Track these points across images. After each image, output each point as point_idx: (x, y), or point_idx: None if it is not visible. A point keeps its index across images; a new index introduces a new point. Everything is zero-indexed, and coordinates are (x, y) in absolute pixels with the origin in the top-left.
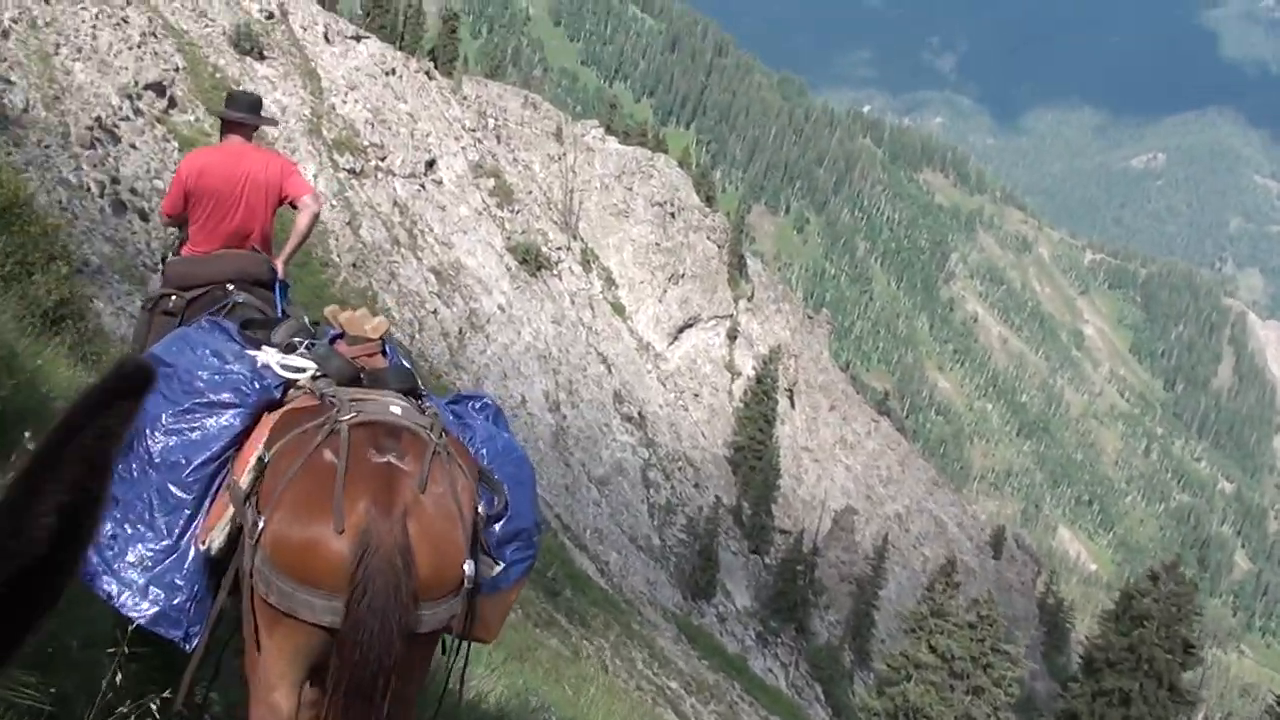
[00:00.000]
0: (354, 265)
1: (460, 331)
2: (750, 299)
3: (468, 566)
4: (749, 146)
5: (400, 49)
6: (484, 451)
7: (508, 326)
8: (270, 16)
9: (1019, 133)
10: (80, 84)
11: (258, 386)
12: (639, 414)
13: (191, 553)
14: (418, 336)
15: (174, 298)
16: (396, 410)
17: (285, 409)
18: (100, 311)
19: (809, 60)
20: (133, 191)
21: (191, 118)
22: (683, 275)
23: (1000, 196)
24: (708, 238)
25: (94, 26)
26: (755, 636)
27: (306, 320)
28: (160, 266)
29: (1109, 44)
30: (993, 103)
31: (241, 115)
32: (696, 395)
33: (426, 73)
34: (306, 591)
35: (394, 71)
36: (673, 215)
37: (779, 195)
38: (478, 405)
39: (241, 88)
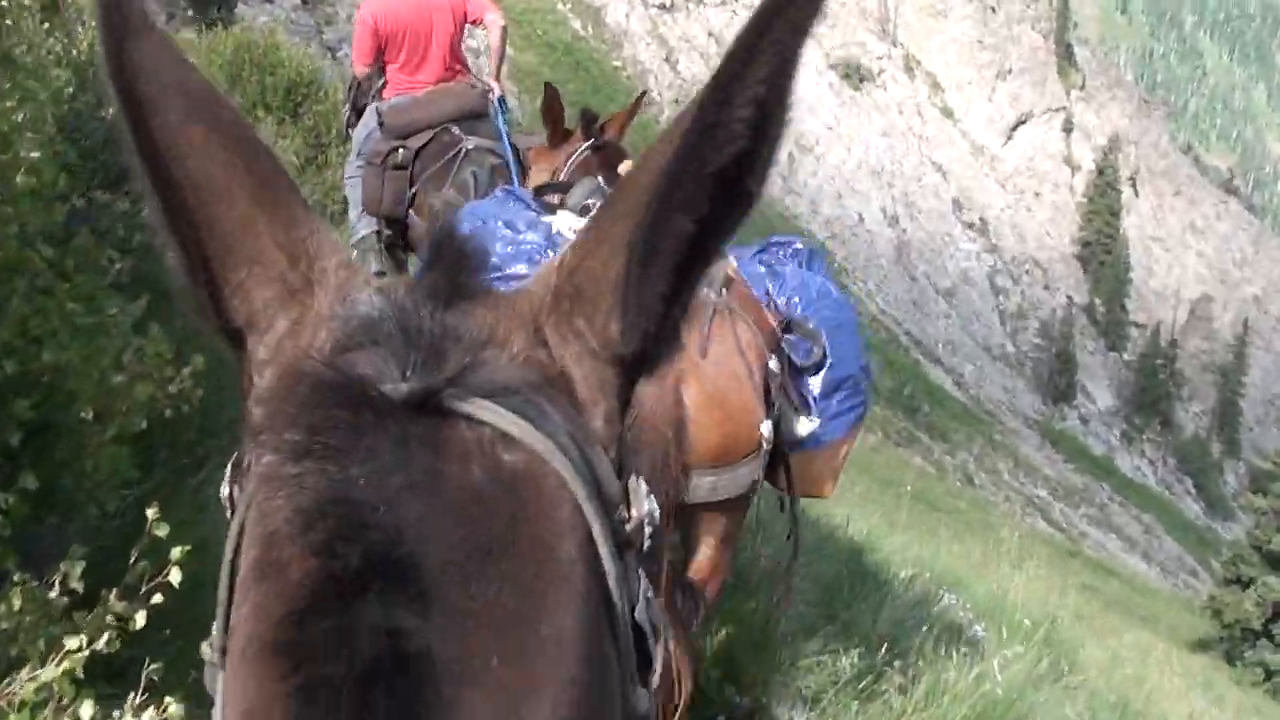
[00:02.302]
0: (675, 102)
1: (789, 155)
2: (1082, 88)
3: (764, 427)
4: None
5: None
6: (796, 300)
7: (837, 144)
8: None
9: None
10: None
11: (552, 255)
12: (980, 219)
13: None
14: None
15: (401, 150)
16: None
17: None
18: None
19: None
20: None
21: None
22: (1010, 70)
23: None
24: (1032, 28)
25: None
26: (1120, 435)
27: (600, 181)
28: (359, 118)
29: None
30: None
31: None
32: (1037, 194)
33: None
34: None
35: None
36: (993, 9)
37: None
38: (789, 251)
39: None
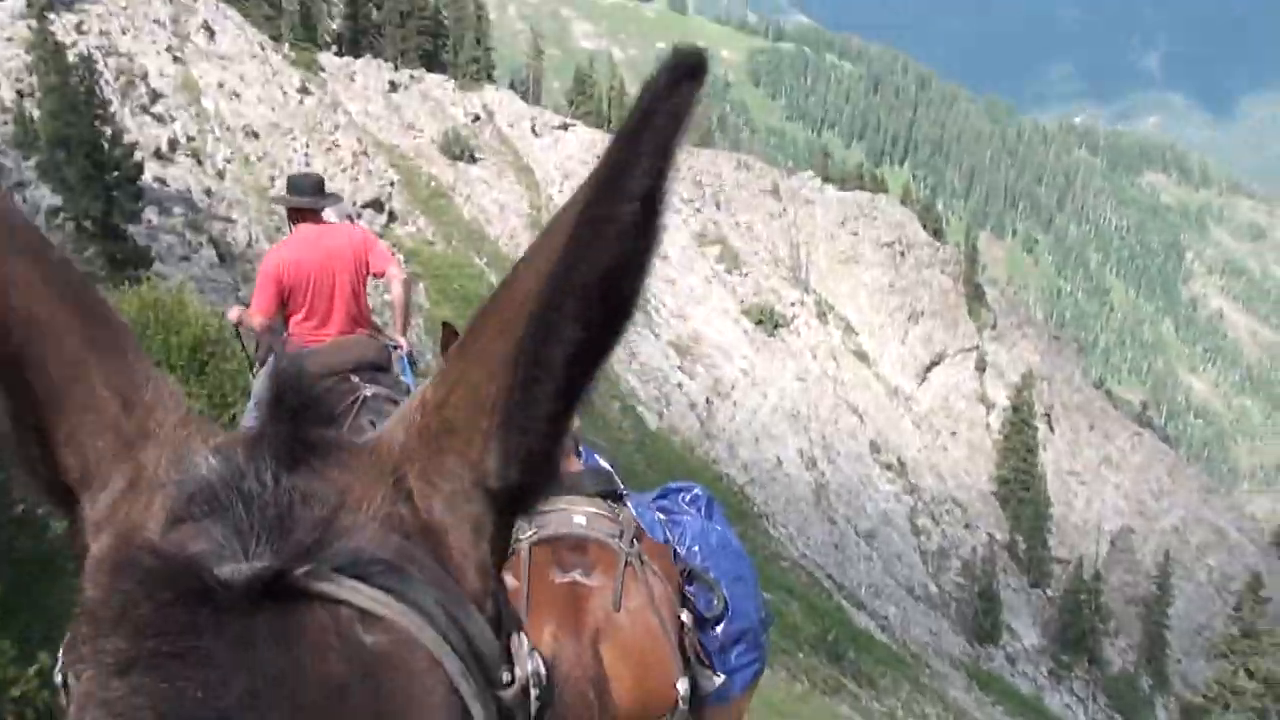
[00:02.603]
0: None
1: (707, 401)
2: (993, 328)
3: (680, 685)
4: (966, 175)
5: (607, 131)
6: (696, 549)
7: (753, 390)
8: (476, 119)
9: (1236, 120)
10: None
11: None
12: (898, 460)
13: None
14: (666, 411)
15: None
16: (580, 520)
17: None
18: None
19: (1011, 82)
20: None
21: (412, 229)
22: (921, 313)
23: (1227, 187)
24: (941, 271)
25: (306, 154)
26: (1048, 674)
27: None
28: (258, 368)
29: None
30: (1205, 95)
31: (307, 200)
32: (953, 433)
33: None
34: None
35: None
36: (903, 254)
37: (1003, 220)
38: (688, 498)
39: (457, 191)
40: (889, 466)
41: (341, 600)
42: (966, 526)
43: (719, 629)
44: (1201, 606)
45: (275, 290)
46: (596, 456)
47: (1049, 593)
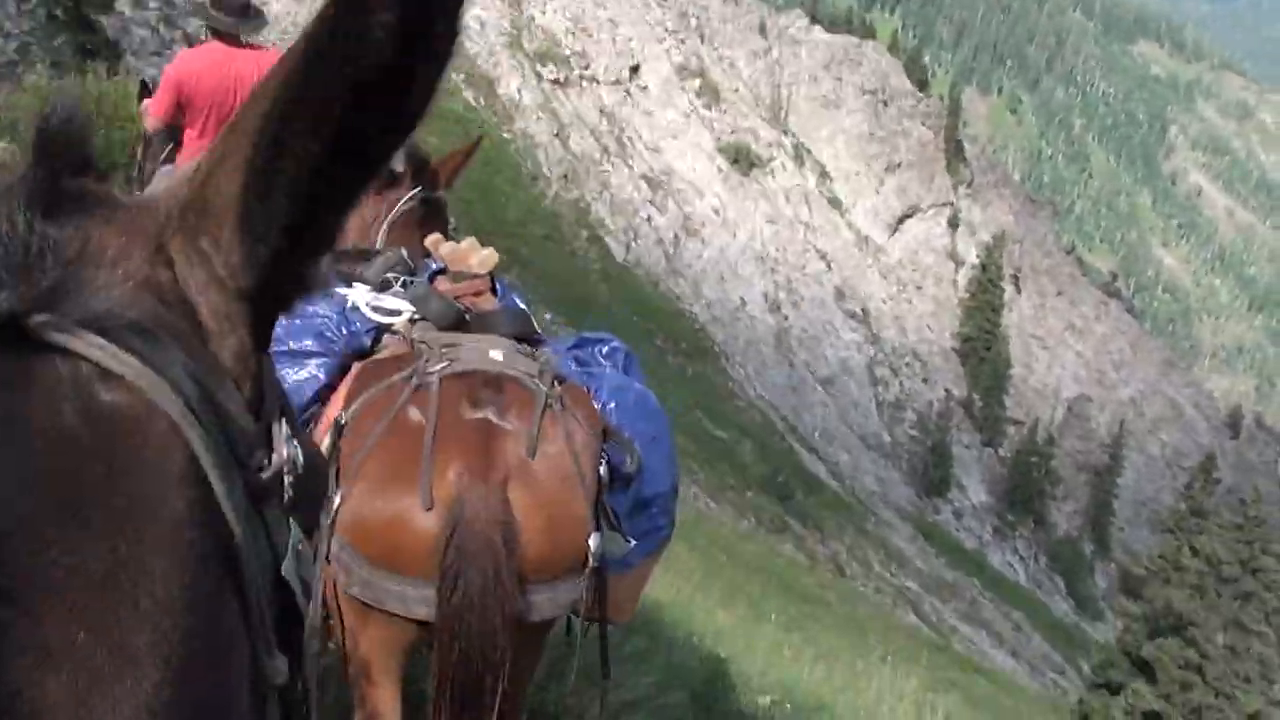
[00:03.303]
0: (564, 178)
1: (675, 237)
2: (970, 185)
3: (593, 540)
4: (956, 28)
5: None
6: (612, 405)
7: (723, 229)
8: None
9: None
10: (276, 14)
11: (345, 333)
12: (862, 310)
13: None
14: (633, 244)
15: None
16: (497, 356)
17: (370, 360)
18: None
19: None
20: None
21: None
22: (899, 164)
23: (1218, 63)
24: (922, 124)
25: None
26: (992, 531)
27: (405, 253)
28: (141, 178)
29: None
30: None
31: (228, 23)
32: (920, 287)
33: None
34: (394, 580)
35: None
36: (885, 103)
37: (989, 77)
38: (605, 350)
39: None
40: (853, 315)
41: (80, 354)
42: (925, 381)
43: (631, 491)
44: (1151, 479)
45: (173, 98)
46: (514, 297)
47: (1001, 453)
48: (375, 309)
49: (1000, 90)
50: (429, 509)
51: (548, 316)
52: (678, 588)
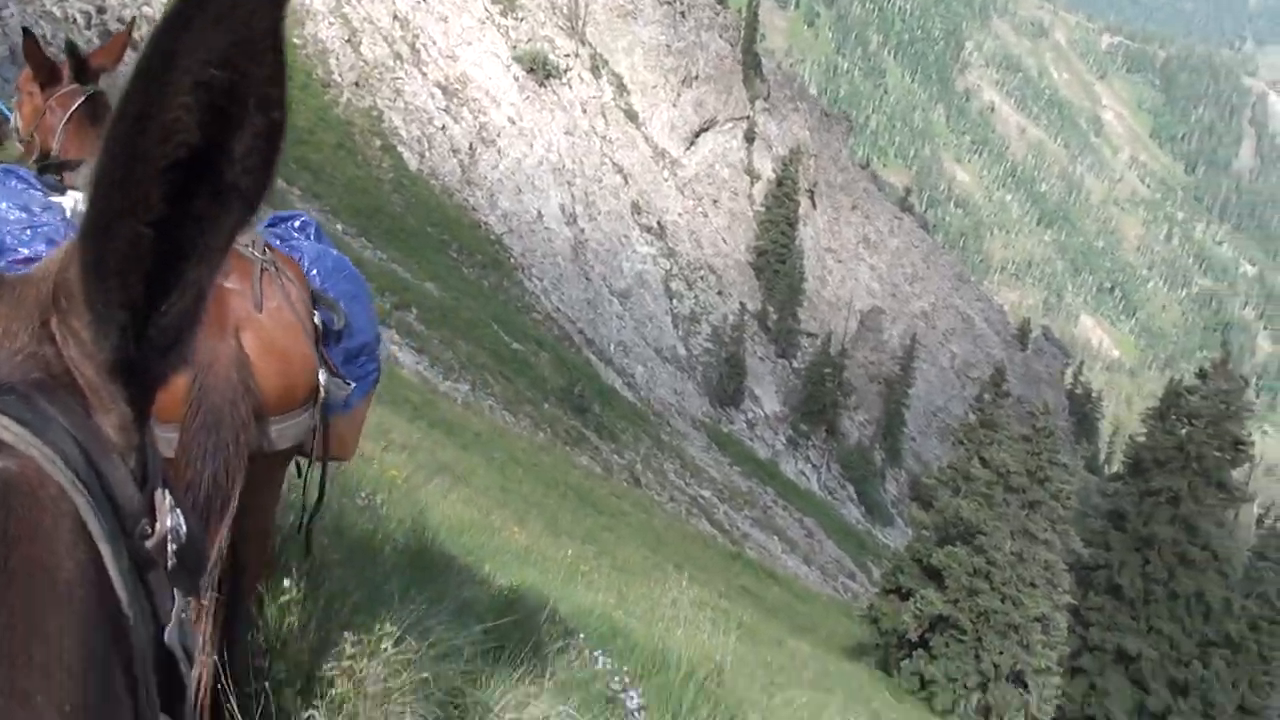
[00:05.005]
0: (356, 84)
1: (471, 147)
2: (766, 99)
3: (321, 375)
4: None
5: None
6: (314, 271)
7: (519, 139)
8: None
9: None
10: None
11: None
12: (658, 223)
13: None
14: (427, 154)
15: None
16: None
17: None
18: None
19: None
20: (120, 21)
21: None
22: (696, 77)
23: None
24: (720, 36)
25: None
26: (786, 441)
27: None
28: None
29: None
30: None
31: None
32: (716, 201)
33: None
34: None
35: None
36: (683, 14)
37: None
38: (297, 224)
39: None
40: (649, 229)
41: None
42: (720, 294)
43: (342, 344)
44: (941, 390)
45: None
46: None
47: (795, 364)
48: None
49: (798, 3)
50: None
51: (339, 227)
52: (478, 504)
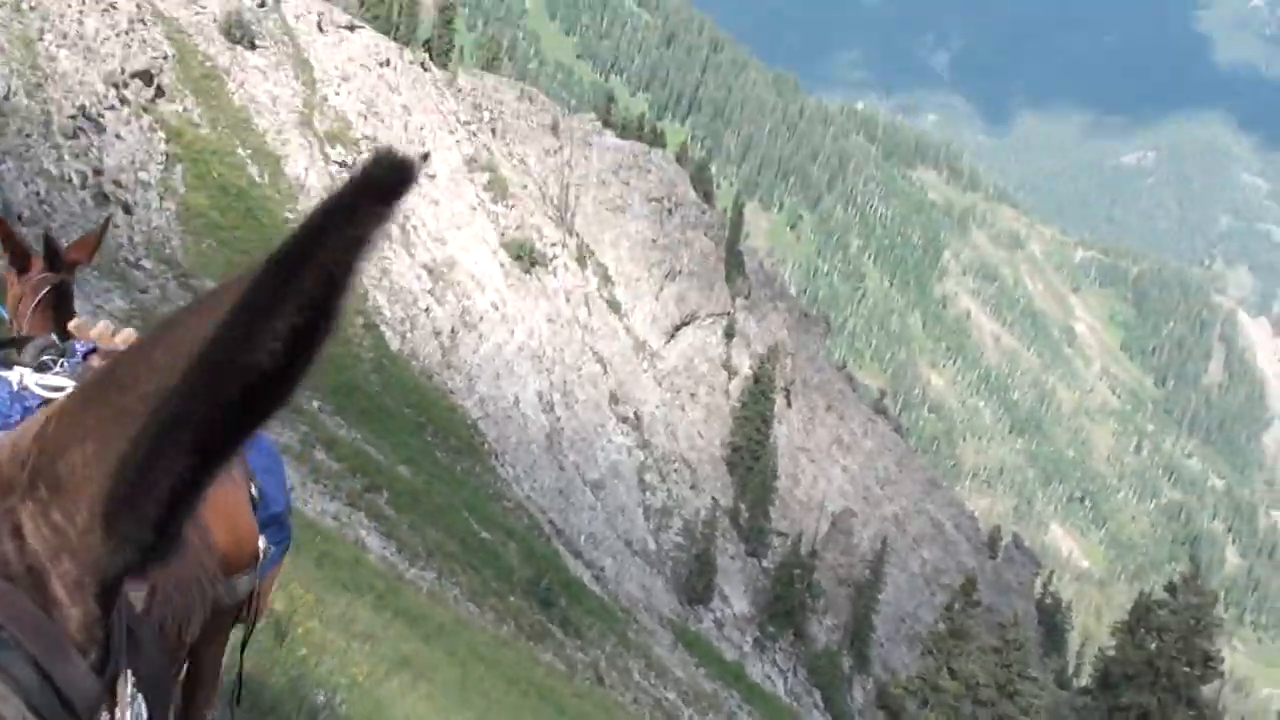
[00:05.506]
0: None
1: (453, 330)
2: (747, 296)
3: (261, 540)
4: (743, 143)
5: (395, 40)
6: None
7: (501, 325)
8: (262, 4)
9: (1011, 131)
10: (64, 71)
11: (20, 408)
12: (635, 414)
13: None
14: (409, 335)
15: None
16: None
17: None
18: (78, 311)
19: (803, 58)
20: (116, 184)
21: (179, 107)
22: (680, 272)
23: (993, 194)
24: (705, 234)
25: (80, 12)
26: (753, 642)
27: (54, 336)
28: None
29: (1102, 44)
30: (986, 101)
31: None
32: (693, 395)
33: (421, 64)
34: None
35: (388, 63)
36: (670, 211)
37: (772, 192)
38: None
39: (232, 76)
40: (625, 419)
41: None
42: (693, 488)
43: (258, 511)
44: (911, 595)
45: None
46: None
47: (765, 563)
48: (44, 386)
49: (782, 206)
50: None
51: (315, 404)
52: (437, 702)
